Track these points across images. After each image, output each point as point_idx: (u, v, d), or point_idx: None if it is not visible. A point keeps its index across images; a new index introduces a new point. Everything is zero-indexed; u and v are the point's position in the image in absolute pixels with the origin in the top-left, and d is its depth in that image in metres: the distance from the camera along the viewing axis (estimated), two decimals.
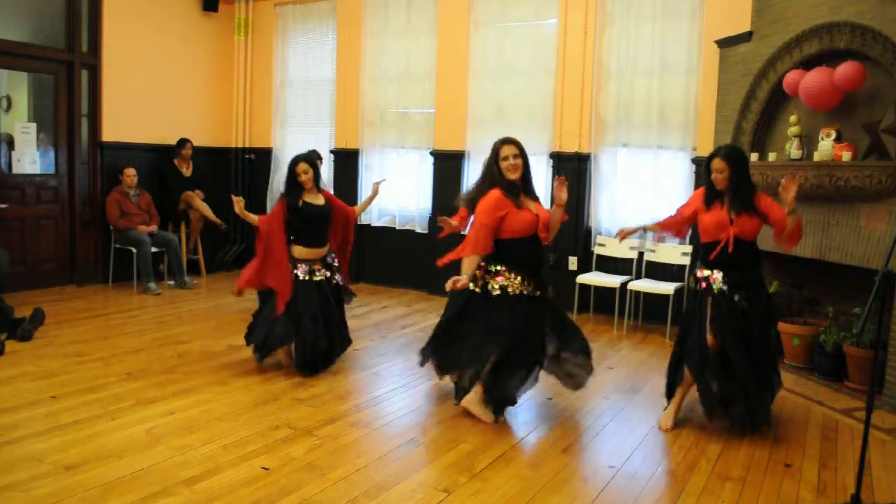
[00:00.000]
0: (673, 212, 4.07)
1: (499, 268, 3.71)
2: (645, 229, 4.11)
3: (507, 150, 3.68)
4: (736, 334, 3.70)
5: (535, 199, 3.82)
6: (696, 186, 5.61)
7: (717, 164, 3.73)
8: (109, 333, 5.32)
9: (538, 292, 3.78)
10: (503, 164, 3.67)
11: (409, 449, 3.42)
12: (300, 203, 4.55)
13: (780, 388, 4.00)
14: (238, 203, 4.64)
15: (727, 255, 3.72)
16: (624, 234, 4.00)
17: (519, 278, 3.69)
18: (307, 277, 4.52)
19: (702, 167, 4.70)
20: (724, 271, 3.75)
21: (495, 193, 3.67)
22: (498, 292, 3.68)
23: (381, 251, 7.67)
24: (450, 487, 3.01)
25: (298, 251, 4.56)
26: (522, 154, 3.71)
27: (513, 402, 3.83)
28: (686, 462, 3.38)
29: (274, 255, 4.51)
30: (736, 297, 3.72)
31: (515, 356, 3.71)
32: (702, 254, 3.88)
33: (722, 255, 3.73)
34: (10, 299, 5.29)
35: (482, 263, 3.73)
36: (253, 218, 4.64)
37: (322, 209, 4.63)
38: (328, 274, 4.64)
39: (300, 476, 3.06)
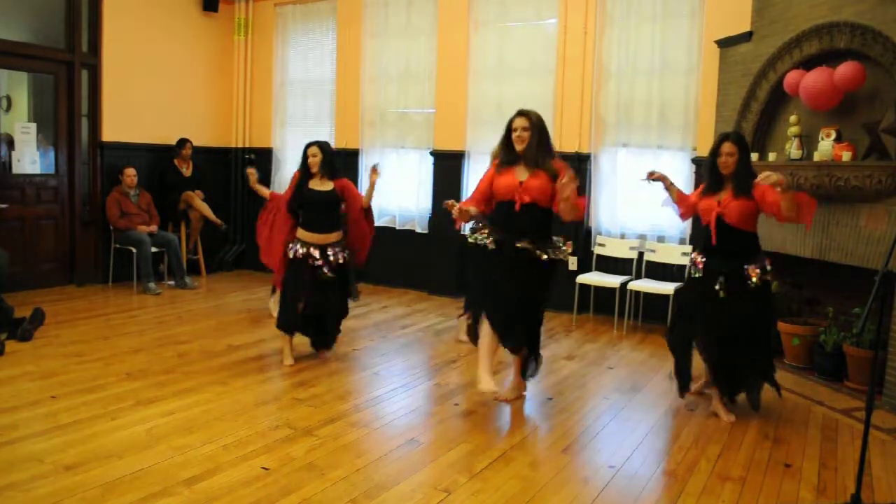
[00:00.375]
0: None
1: (481, 225, 4.03)
2: (669, 185, 4.22)
3: (517, 123, 3.90)
4: (712, 321, 3.92)
5: (543, 168, 3.90)
6: (696, 186, 5.61)
7: (728, 147, 3.90)
8: (109, 333, 5.32)
9: (502, 246, 3.90)
10: (513, 136, 3.91)
11: (409, 449, 3.42)
12: (304, 187, 4.64)
13: (768, 384, 4.09)
14: (252, 175, 4.90)
15: (711, 239, 3.95)
16: (654, 176, 4.18)
17: (487, 231, 3.95)
18: (297, 257, 4.58)
19: (702, 167, 4.74)
20: (707, 257, 3.99)
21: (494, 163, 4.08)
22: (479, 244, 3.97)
23: (381, 251, 7.63)
24: (450, 487, 3.01)
25: (300, 233, 4.64)
26: (533, 126, 3.87)
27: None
28: (686, 462, 3.38)
29: (274, 233, 4.75)
30: (716, 286, 3.89)
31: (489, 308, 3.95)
32: (701, 237, 4.17)
33: (709, 239, 3.97)
34: (10, 299, 5.29)
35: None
36: (265, 192, 4.95)
37: (325, 195, 4.64)
38: (320, 263, 4.58)
39: (300, 476, 3.06)
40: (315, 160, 4.61)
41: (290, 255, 4.60)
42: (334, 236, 4.68)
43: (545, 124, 3.96)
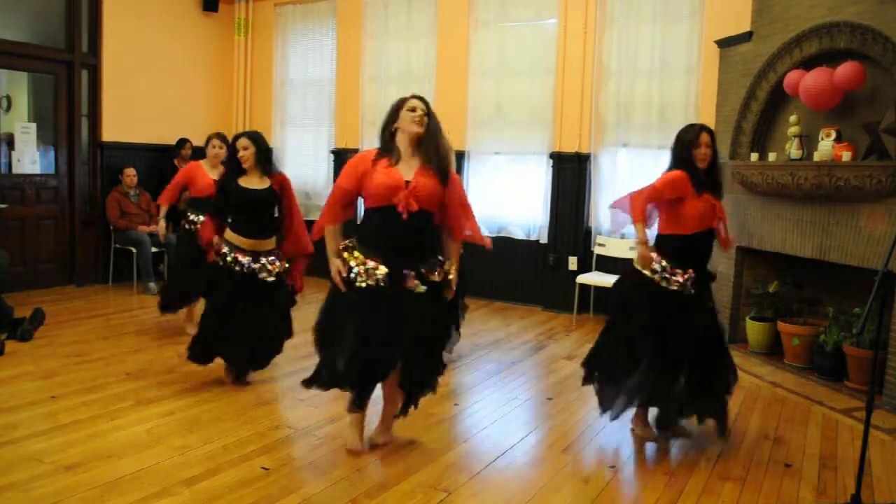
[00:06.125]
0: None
1: (353, 247, 3.12)
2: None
3: (416, 103, 3.15)
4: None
5: (429, 167, 3.12)
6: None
7: (707, 137, 3.44)
8: (109, 333, 5.32)
9: (395, 283, 3.07)
10: (410, 115, 3.12)
11: (409, 449, 3.42)
12: (233, 184, 4.02)
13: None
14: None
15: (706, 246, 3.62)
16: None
17: (371, 263, 3.05)
18: (223, 264, 4.01)
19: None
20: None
21: (363, 153, 3.21)
22: (358, 282, 3.06)
23: None
24: (450, 487, 3.01)
25: (228, 234, 4.06)
26: (430, 114, 3.17)
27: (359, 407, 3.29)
28: (686, 462, 3.38)
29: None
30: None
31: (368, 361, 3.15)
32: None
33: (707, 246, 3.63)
34: (10, 299, 5.28)
35: (344, 242, 3.17)
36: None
37: (260, 194, 4.03)
38: (254, 269, 4.02)
39: (300, 476, 3.06)
40: (248, 153, 3.99)
41: (220, 262, 4.02)
42: (269, 243, 4.10)
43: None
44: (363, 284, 3.04)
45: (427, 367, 3.27)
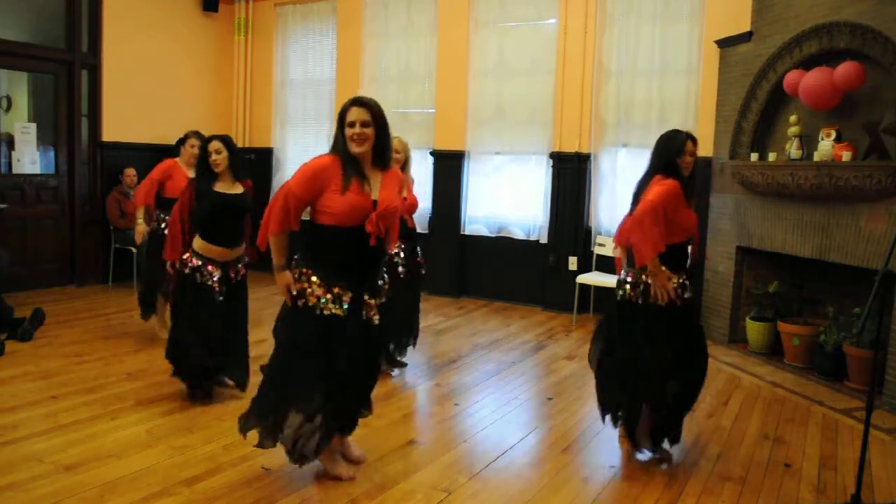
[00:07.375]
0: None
1: (304, 270, 2.85)
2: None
3: (355, 114, 2.84)
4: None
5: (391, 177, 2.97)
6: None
7: (692, 146, 3.28)
8: (109, 333, 5.32)
9: (360, 310, 2.88)
10: (347, 133, 2.85)
11: (409, 449, 3.42)
12: (208, 190, 3.86)
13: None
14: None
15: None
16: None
17: (329, 294, 2.81)
18: (193, 274, 3.83)
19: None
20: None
21: (323, 159, 2.87)
22: (302, 302, 2.85)
23: None
24: (450, 487, 3.01)
25: (199, 244, 3.86)
26: (377, 120, 2.87)
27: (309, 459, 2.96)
28: (686, 462, 3.38)
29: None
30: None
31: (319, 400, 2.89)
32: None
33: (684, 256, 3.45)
34: (10, 299, 5.29)
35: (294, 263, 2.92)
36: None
37: (238, 200, 3.92)
38: (215, 285, 3.87)
39: (300, 476, 3.06)
40: (221, 157, 3.83)
41: (186, 270, 3.82)
42: (238, 251, 3.96)
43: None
44: (328, 312, 2.80)
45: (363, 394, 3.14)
